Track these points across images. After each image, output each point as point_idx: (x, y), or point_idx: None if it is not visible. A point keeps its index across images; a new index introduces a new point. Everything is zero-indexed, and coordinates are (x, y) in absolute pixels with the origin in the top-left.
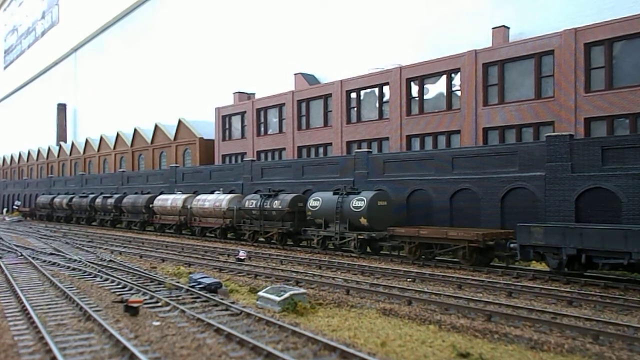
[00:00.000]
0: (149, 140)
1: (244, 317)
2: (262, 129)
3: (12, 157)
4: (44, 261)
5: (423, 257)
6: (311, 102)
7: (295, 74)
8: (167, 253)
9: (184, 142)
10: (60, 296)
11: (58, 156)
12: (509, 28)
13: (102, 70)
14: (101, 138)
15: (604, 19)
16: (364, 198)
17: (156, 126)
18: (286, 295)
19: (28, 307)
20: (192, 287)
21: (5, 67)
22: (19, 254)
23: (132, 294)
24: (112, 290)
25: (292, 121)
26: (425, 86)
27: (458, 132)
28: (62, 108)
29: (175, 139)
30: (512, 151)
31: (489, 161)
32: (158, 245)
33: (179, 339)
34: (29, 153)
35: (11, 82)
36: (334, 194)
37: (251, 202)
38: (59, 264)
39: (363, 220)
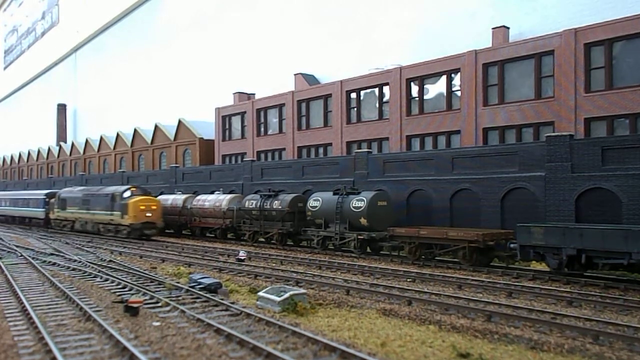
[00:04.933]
0: (149, 140)
1: (244, 318)
2: (262, 129)
3: (12, 157)
4: (44, 261)
5: (423, 257)
6: (311, 102)
7: (295, 74)
8: (167, 253)
9: (184, 143)
10: (60, 296)
11: (58, 156)
12: (509, 28)
13: (102, 70)
14: (101, 138)
15: (604, 19)
16: (364, 198)
17: (156, 126)
18: (286, 295)
19: (28, 307)
20: (192, 287)
21: (5, 68)
22: (19, 255)
23: (132, 294)
24: (112, 291)
25: (292, 121)
26: (425, 86)
27: (458, 132)
28: (62, 108)
29: (175, 139)
30: (512, 151)
31: (489, 161)
32: (158, 246)
33: (179, 340)
34: (29, 153)
35: (11, 83)
36: (334, 194)
37: (251, 202)
38: (58, 264)
39: (363, 221)
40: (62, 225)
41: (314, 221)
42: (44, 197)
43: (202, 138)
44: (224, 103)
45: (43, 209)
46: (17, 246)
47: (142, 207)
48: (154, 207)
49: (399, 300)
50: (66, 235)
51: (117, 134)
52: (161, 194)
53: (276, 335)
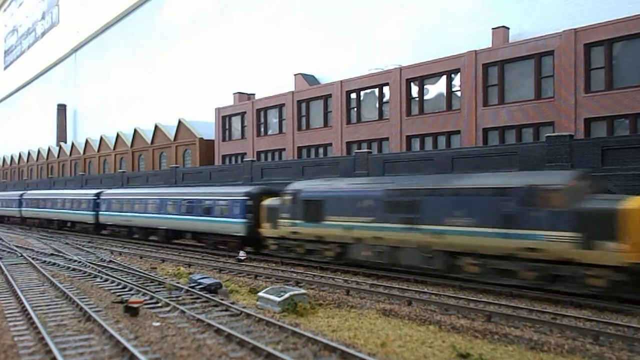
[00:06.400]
0: (149, 140)
1: (244, 318)
2: (262, 129)
3: (12, 158)
4: (44, 262)
5: None
6: (311, 102)
7: (295, 74)
8: (167, 254)
9: (184, 143)
10: (60, 297)
11: (58, 156)
12: (508, 28)
13: (102, 70)
14: (101, 138)
15: (604, 19)
16: None
17: (156, 126)
18: (286, 295)
19: (28, 307)
20: (192, 287)
21: (5, 68)
22: (20, 255)
23: (132, 294)
24: (112, 291)
25: (292, 122)
26: (425, 86)
27: (458, 132)
28: (62, 108)
29: (175, 139)
30: (512, 151)
31: (489, 161)
32: (158, 246)
33: (179, 340)
34: (29, 153)
35: (11, 83)
36: None
37: None
38: (59, 265)
39: None
40: (304, 250)
41: None
42: (244, 197)
43: (202, 138)
44: (224, 103)
45: (241, 220)
46: (17, 246)
47: None
48: None
49: (399, 301)
50: (65, 236)
51: (117, 134)
52: None
53: (276, 335)
